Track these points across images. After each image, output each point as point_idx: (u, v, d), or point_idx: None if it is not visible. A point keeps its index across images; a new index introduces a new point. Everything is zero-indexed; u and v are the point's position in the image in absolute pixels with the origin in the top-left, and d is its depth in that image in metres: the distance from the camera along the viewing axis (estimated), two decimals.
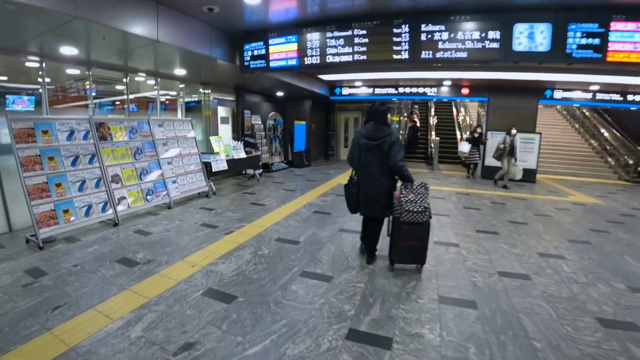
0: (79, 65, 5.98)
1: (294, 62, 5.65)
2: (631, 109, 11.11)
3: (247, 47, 6.11)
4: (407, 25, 4.82)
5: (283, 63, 5.77)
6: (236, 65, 6.44)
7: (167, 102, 8.59)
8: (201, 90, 8.80)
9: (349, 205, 3.78)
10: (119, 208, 5.22)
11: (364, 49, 5.06)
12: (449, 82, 10.63)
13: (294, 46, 5.57)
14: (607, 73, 8.41)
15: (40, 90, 5.32)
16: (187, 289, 3.12)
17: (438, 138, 12.58)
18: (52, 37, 4.34)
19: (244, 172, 9.32)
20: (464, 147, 10.19)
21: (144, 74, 7.21)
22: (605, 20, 4.38)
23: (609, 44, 4.41)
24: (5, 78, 5.07)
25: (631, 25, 4.35)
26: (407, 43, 4.84)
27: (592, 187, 9.98)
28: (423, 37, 4.78)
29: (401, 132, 15.39)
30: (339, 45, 5.21)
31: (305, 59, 5.52)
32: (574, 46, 4.54)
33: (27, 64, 5.22)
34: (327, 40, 5.29)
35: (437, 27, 4.73)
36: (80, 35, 4.36)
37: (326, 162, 14.10)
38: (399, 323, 2.65)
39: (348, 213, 5.68)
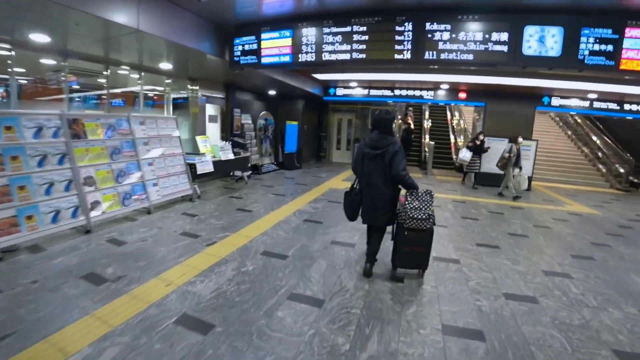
0: (55, 55, 5.51)
1: (287, 58, 5.28)
2: (626, 117, 11.05)
3: (237, 41, 5.71)
4: (410, 23, 4.50)
5: (276, 59, 5.39)
6: (225, 61, 6.04)
7: (155, 97, 8.12)
8: (189, 86, 8.35)
9: (348, 213, 3.71)
10: (92, 214, 4.77)
11: (363, 46, 4.72)
12: (446, 86, 10.39)
13: (288, 41, 5.19)
14: (605, 81, 8.27)
15: (9, 82, 4.84)
16: (159, 314, 2.73)
17: (433, 142, 12.32)
18: (19, 22, 3.89)
19: (232, 173, 8.89)
20: (466, 155, 9.62)
21: (127, 67, 6.74)
22: (619, 26, 4.14)
23: (623, 51, 4.17)
24: None
25: None
26: (409, 42, 4.52)
27: (587, 195, 9.89)
28: (427, 36, 4.46)
29: (396, 135, 15.12)
30: (337, 42, 4.86)
31: (300, 55, 5.15)
32: (586, 52, 4.29)
33: None
34: (324, 36, 4.93)
35: (442, 26, 4.42)
36: (49, 20, 3.92)
37: (317, 164, 13.74)
38: None
39: (340, 222, 5.44)
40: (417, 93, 10.99)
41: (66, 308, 2.79)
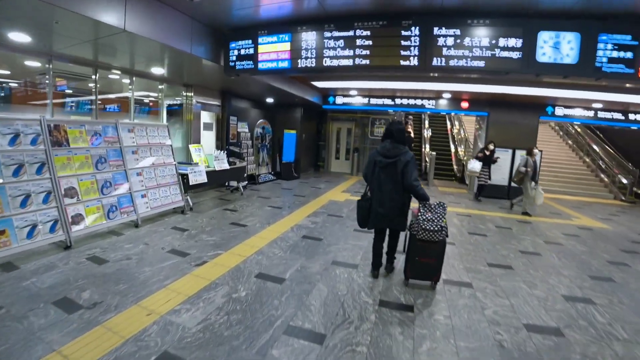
0: (38, 57, 5.18)
1: (285, 64, 4.97)
2: (630, 128, 10.84)
3: (233, 45, 5.41)
4: (417, 28, 4.21)
5: (273, 65, 5.08)
6: (220, 66, 5.73)
7: (151, 104, 7.79)
8: (183, 92, 8.04)
9: (358, 218, 3.84)
10: (74, 228, 4.40)
11: (367, 52, 4.43)
12: (449, 95, 10.15)
13: (287, 46, 4.89)
14: (610, 90, 8.05)
15: None
16: (136, 352, 2.36)
17: (434, 153, 12.05)
18: None
19: (227, 183, 8.54)
20: (475, 166, 8.96)
21: (118, 71, 6.42)
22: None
23: None
24: None
25: None
26: (416, 48, 4.24)
27: (592, 207, 9.63)
28: (435, 41, 4.18)
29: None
30: (339, 47, 4.56)
31: (299, 61, 4.85)
32: (604, 59, 4.02)
33: None
34: (325, 40, 4.64)
35: (451, 31, 4.14)
36: (24, 16, 3.60)
37: (316, 174, 13.40)
38: None
39: (341, 239, 5.09)
40: (419, 102, 10.74)
41: (29, 342, 2.42)
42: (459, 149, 14.72)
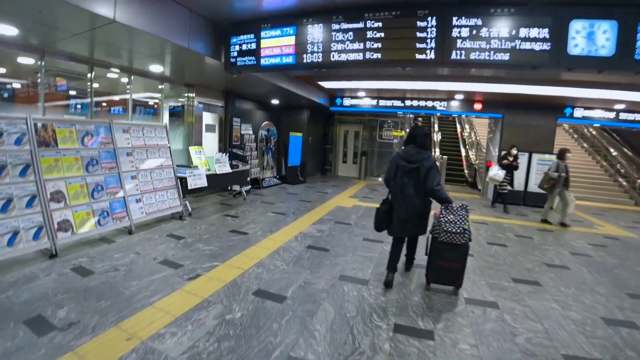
0: (30, 53, 4.90)
1: (290, 59, 4.61)
2: None
3: (234, 40, 5.06)
4: (434, 18, 3.82)
5: (277, 60, 4.72)
6: (221, 63, 5.40)
7: (156, 106, 7.49)
8: (185, 93, 7.74)
9: (375, 222, 3.74)
10: (60, 235, 4.07)
11: (379, 45, 4.03)
12: (461, 96, 9.71)
13: (291, 40, 4.52)
14: (636, 89, 7.53)
15: None
16: None
17: (446, 157, 11.60)
18: None
19: (229, 187, 8.19)
20: (498, 173, 8.06)
21: (116, 69, 6.13)
22: None
23: None
24: None
25: None
26: (433, 40, 3.84)
27: (613, 214, 9.10)
28: (454, 32, 3.78)
29: (402, 147, 14.40)
30: (347, 40, 4.18)
31: (305, 56, 4.47)
32: None
33: None
34: (333, 33, 4.26)
35: (472, 21, 3.74)
36: (5, 4, 3.30)
37: (322, 178, 13.00)
38: None
39: (349, 250, 4.68)
40: (430, 104, 10.30)
41: None
42: (470, 153, 14.22)
